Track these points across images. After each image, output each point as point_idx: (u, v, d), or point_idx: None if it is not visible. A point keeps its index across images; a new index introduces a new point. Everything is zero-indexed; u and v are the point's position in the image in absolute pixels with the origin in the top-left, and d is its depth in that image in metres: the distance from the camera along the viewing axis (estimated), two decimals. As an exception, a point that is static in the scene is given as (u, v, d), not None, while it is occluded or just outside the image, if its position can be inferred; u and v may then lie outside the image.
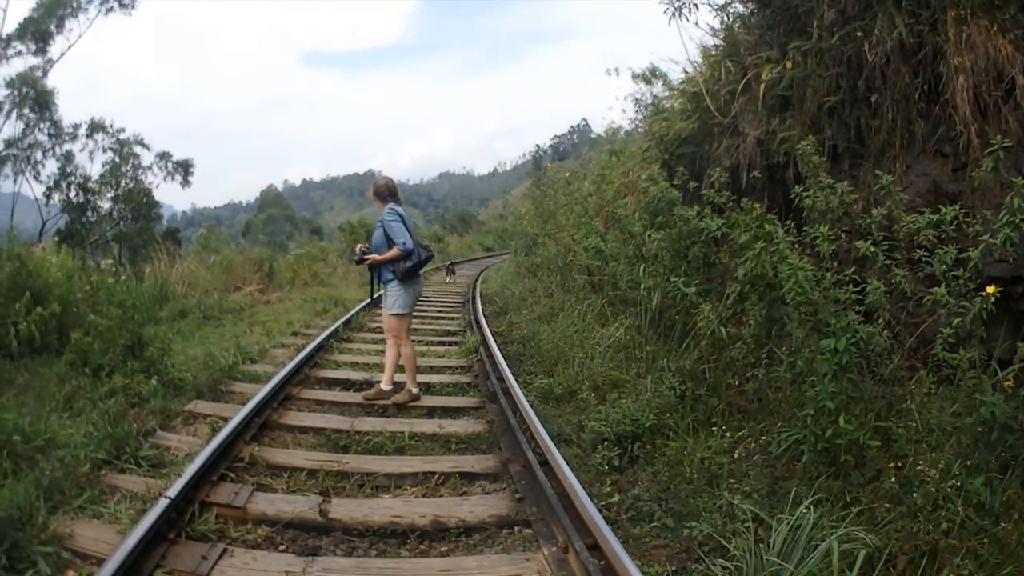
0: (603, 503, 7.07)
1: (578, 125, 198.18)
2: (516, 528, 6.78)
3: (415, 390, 11.13)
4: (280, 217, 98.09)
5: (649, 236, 12.38)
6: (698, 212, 10.35)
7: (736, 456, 7.80)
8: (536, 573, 5.77)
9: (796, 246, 7.73)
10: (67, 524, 6.38)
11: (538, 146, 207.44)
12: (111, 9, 48.29)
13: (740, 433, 8.20)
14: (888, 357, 7.25)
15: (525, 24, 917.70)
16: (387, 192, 11.22)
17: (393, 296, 11.03)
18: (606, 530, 5.79)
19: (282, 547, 6.45)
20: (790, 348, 7.86)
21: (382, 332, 12.82)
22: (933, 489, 5.83)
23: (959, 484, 5.73)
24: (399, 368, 11.37)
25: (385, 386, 11.19)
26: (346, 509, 7.06)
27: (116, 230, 50.79)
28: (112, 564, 5.23)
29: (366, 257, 11.12)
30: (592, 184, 23.30)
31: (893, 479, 6.30)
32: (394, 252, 10.77)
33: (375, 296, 11.80)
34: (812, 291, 7.06)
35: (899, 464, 6.46)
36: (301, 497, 7.37)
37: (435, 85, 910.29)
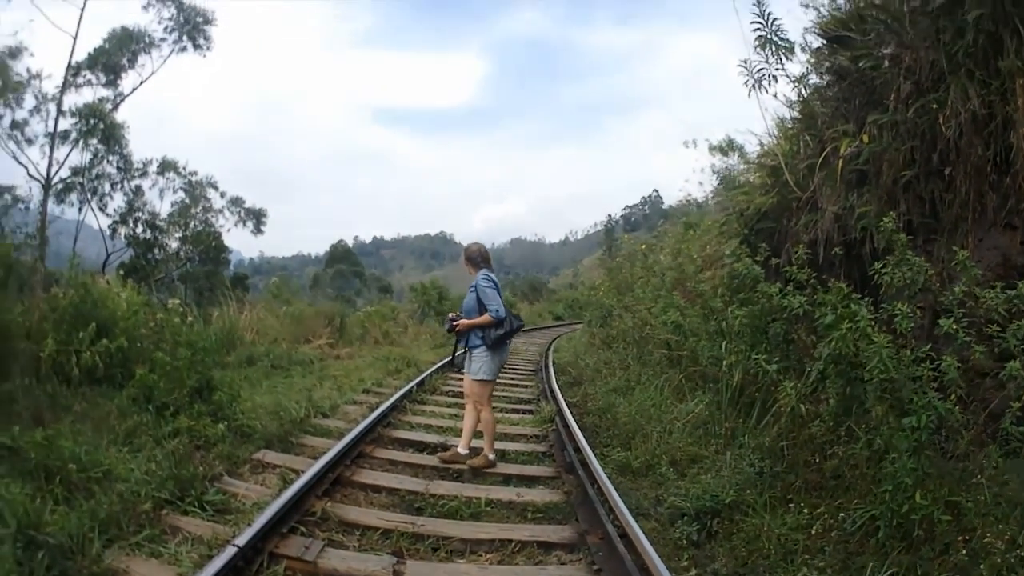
0: (681, 578, 6.89)
1: (650, 196, 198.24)
2: None
3: (492, 456, 11.02)
4: (349, 273, 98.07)
5: (732, 312, 12.20)
6: (780, 289, 10.19)
7: (812, 532, 7.65)
8: None
9: (874, 323, 7.70)
10: (122, 559, 6.44)
11: (610, 216, 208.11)
12: (184, 49, 49.32)
13: (817, 510, 7.98)
14: (960, 433, 7.19)
15: (598, 94, 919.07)
16: (480, 258, 11.33)
17: (479, 362, 10.95)
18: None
19: None
20: (868, 425, 7.75)
21: (456, 395, 13.33)
22: (999, 560, 5.89)
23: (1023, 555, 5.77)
24: (477, 433, 11.31)
25: (462, 450, 11.10)
26: (421, 571, 7.03)
27: (183, 270, 51.42)
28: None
29: (457, 323, 11.07)
30: (669, 257, 23.36)
31: (963, 551, 6.28)
32: (486, 318, 10.80)
33: (455, 357, 11.78)
34: (893, 369, 7.03)
35: (968, 537, 6.47)
36: (374, 556, 7.31)
37: (507, 150, 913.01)
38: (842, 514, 7.60)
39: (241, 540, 6.49)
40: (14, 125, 43.25)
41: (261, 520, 7.06)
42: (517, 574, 7.15)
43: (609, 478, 9.57)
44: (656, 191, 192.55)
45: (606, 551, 7.46)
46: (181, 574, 6.25)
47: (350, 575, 6.76)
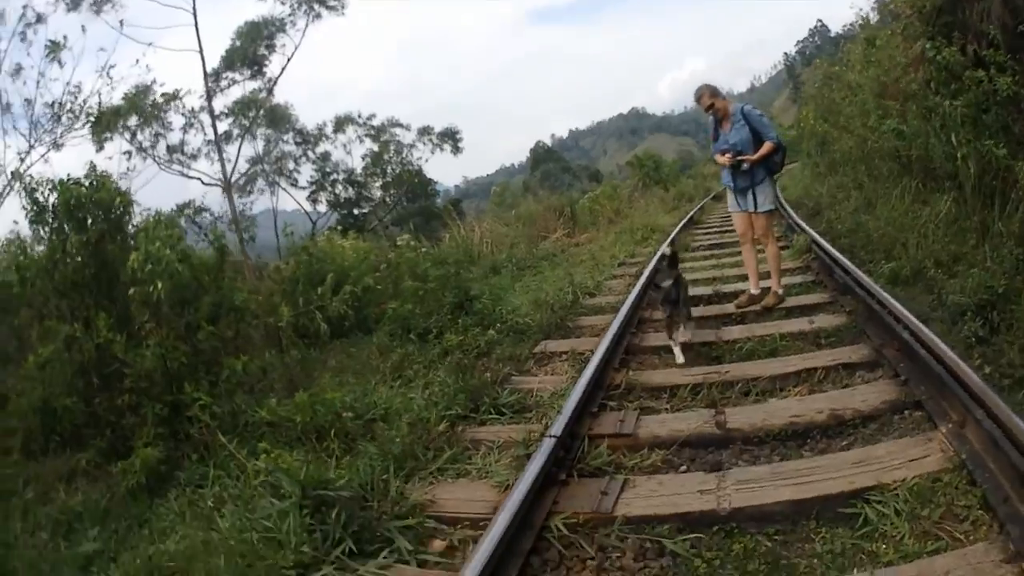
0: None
1: (815, 27, 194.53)
2: (907, 411, 6.45)
3: (781, 291, 10.92)
4: (555, 170, 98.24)
5: (949, 104, 12.18)
6: (987, 76, 10.50)
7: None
8: (940, 452, 5.45)
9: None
10: (426, 490, 6.19)
11: (786, 54, 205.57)
12: (318, 16, 49.14)
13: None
14: None
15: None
16: (715, 89, 10.85)
17: (764, 194, 10.72)
18: (998, 400, 5.42)
19: (683, 468, 6.17)
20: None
21: (709, 247, 13.94)
22: None
23: None
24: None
25: (755, 290, 11.02)
26: (742, 416, 6.79)
27: (392, 214, 52.05)
28: (503, 518, 4.88)
29: (744, 159, 10.46)
30: (860, 74, 22.77)
31: None
32: (768, 146, 10.37)
33: (740, 201, 11.13)
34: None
35: None
36: (691, 413, 7.13)
37: (671, 13, 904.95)
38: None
39: (556, 429, 6.26)
40: (171, 149, 44.21)
41: (570, 404, 6.81)
42: (833, 400, 6.87)
43: (883, 290, 9.37)
44: (820, 21, 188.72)
45: (906, 361, 7.27)
46: (496, 484, 6.01)
47: (674, 437, 6.56)
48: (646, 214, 30.05)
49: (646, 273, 13.49)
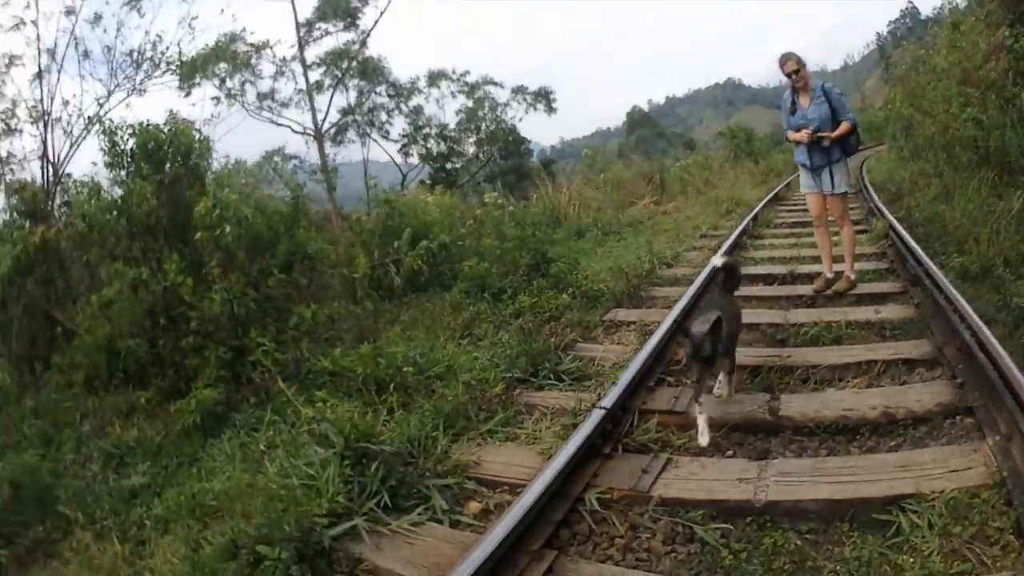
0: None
1: (906, 8, 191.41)
2: (958, 417, 6.20)
3: (853, 276, 10.70)
4: (651, 136, 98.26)
5: None
6: None
7: None
8: (983, 465, 5.18)
9: None
10: (472, 451, 6.25)
11: (878, 34, 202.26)
12: (414, -31, 48.57)
13: None
14: None
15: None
16: (802, 59, 10.36)
17: (840, 174, 10.44)
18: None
19: (729, 452, 6.09)
20: None
21: (790, 224, 13.87)
22: None
23: None
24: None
25: (829, 274, 10.74)
26: (795, 405, 6.65)
27: (485, 171, 51.92)
28: (537, 486, 4.92)
29: (824, 135, 10.11)
30: (947, 58, 22.24)
31: None
32: (847, 126, 10.11)
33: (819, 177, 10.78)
34: None
35: None
36: (747, 396, 7.02)
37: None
38: None
39: (607, 401, 6.23)
40: (261, 96, 44.19)
41: (625, 377, 6.79)
42: (888, 396, 6.63)
43: (952, 285, 9.11)
44: (911, 2, 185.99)
45: (965, 364, 6.98)
46: (542, 451, 6.03)
47: (725, 420, 6.48)
48: (734, 186, 29.97)
49: (726, 246, 13.73)
